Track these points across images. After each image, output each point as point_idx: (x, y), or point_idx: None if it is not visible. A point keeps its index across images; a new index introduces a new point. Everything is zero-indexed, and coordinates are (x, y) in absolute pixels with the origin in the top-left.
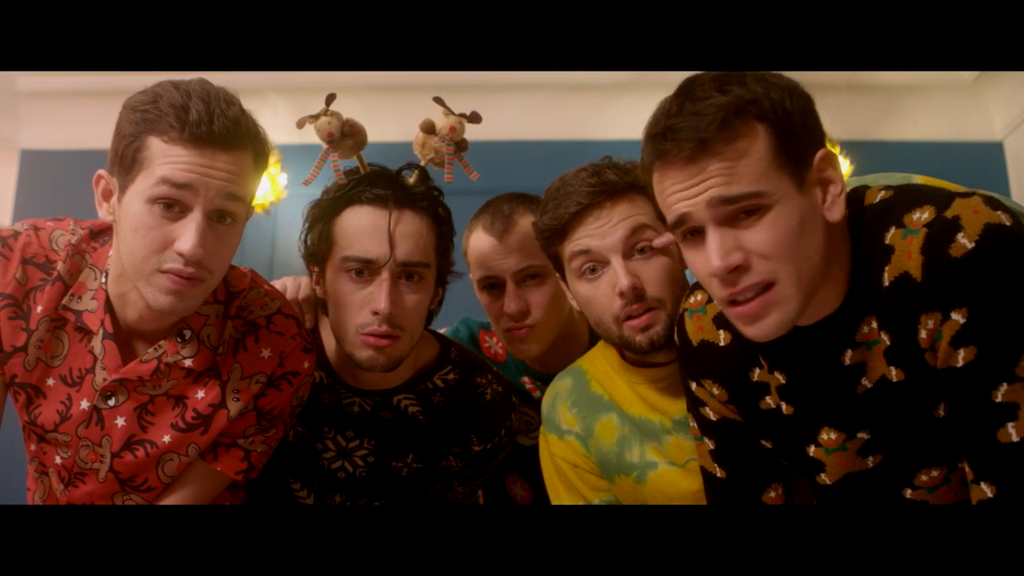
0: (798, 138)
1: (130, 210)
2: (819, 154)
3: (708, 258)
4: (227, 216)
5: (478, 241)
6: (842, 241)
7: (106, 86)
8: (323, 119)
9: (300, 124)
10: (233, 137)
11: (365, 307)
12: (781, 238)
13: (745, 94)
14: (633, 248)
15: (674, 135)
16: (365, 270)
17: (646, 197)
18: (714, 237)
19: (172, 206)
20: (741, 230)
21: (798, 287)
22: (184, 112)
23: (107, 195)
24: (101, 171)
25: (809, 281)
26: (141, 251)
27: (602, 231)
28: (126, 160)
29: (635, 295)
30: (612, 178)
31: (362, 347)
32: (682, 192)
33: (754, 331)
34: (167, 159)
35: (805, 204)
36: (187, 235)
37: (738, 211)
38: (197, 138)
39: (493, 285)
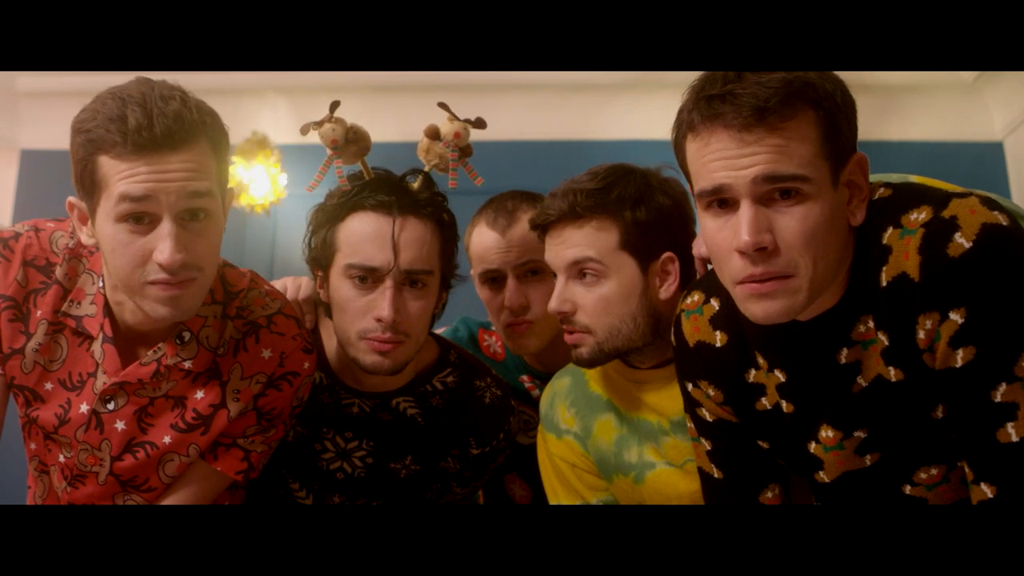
0: (841, 134)
1: (103, 232)
2: (856, 156)
3: (737, 231)
4: (199, 212)
5: (481, 236)
6: (847, 239)
7: (106, 86)
8: (327, 126)
9: (304, 130)
10: (177, 134)
11: (368, 313)
12: (810, 230)
13: (804, 76)
14: (579, 272)
15: (734, 99)
16: (369, 277)
17: (612, 220)
18: (748, 211)
19: (141, 219)
20: (774, 212)
21: (810, 282)
22: (123, 123)
23: (83, 220)
24: (71, 199)
25: (821, 279)
26: (124, 269)
27: (555, 250)
28: (86, 184)
29: (561, 316)
30: (580, 201)
31: (367, 351)
32: (728, 161)
33: (759, 309)
34: (119, 175)
35: (837, 201)
36: (162, 245)
37: (777, 191)
38: (140, 146)
39: (494, 279)
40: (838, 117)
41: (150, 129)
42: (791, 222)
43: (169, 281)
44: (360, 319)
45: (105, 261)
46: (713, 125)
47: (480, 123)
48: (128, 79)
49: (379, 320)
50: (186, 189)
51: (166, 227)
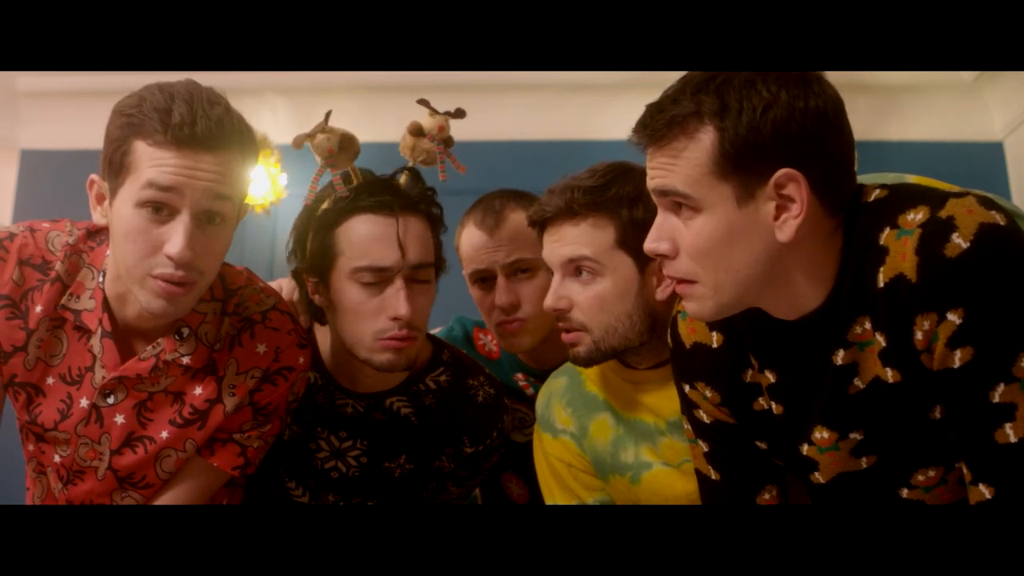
0: (751, 154)
1: (120, 214)
2: (780, 172)
3: None
4: (216, 216)
5: (470, 236)
6: (830, 238)
7: (106, 86)
8: (320, 137)
9: (297, 144)
10: (216, 138)
11: (381, 313)
12: (702, 244)
13: (706, 100)
14: (575, 270)
15: (641, 122)
16: (378, 278)
17: (609, 218)
18: (657, 220)
19: (160, 209)
20: (681, 221)
21: (715, 291)
22: (167, 115)
23: (100, 199)
24: (94, 176)
25: (730, 289)
26: (132, 255)
27: (552, 247)
28: (115, 164)
29: (557, 314)
30: (577, 198)
31: (381, 351)
32: (648, 172)
33: (687, 307)
34: (152, 162)
35: (740, 218)
36: (175, 238)
37: (673, 204)
38: (180, 140)
39: (484, 279)
40: (755, 136)
41: (192, 126)
42: (686, 234)
43: (171, 279)
44: (373, 320)
45: (114, 245)
46: (642, 145)
47: (460, 113)
48: (127, 79)
49: (396, 319)
50: (211, 190)
51: (183, 221)
